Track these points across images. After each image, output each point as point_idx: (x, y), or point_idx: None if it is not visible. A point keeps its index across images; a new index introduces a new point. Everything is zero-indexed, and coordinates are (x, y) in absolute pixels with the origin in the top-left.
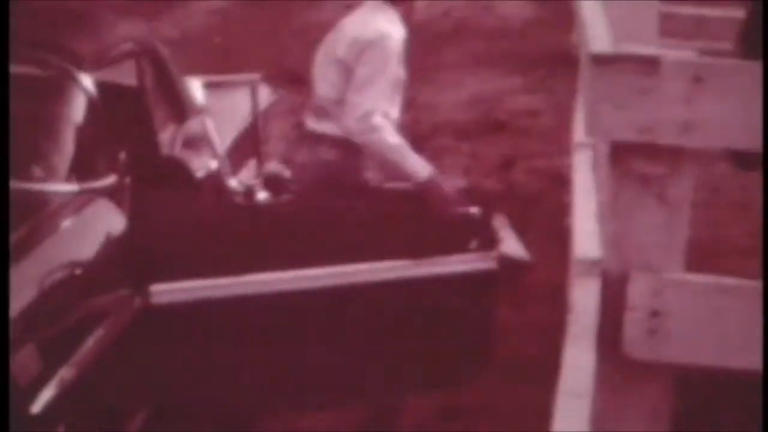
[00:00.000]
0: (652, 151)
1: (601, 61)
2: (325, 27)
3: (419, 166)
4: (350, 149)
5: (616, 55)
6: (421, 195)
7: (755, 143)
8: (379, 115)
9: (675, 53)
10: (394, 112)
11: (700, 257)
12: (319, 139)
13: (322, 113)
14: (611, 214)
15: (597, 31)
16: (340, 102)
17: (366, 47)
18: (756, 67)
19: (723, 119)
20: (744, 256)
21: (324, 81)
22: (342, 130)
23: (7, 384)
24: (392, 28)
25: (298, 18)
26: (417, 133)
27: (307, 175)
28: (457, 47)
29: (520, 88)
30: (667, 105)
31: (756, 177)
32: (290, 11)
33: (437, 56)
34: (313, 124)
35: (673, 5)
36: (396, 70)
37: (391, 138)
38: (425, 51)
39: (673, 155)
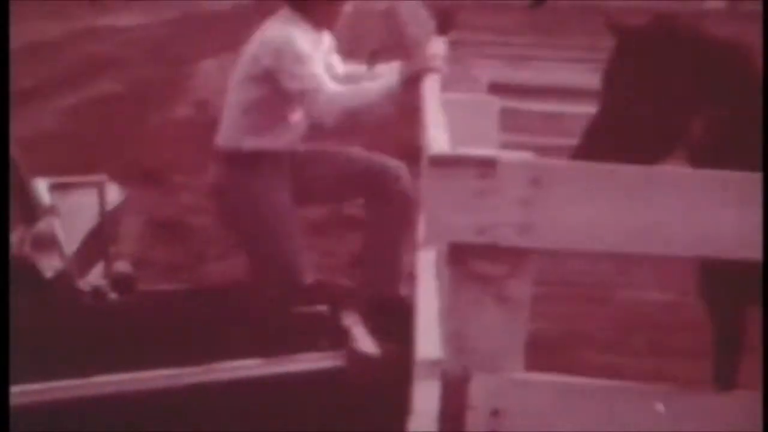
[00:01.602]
0: (491, 251)
1: (438, 162)
2: (181, 125)
3: (382, 86)
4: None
5: (453, 157)
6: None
7: (596, 243)
8: (325, 86)
9: (512, 154)
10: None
11: (555, 352)
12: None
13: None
14: (451, 314)
15: (436, 132)
16: (252, 107)
17: (278, 49)
18: (594, 168)
19: (561, 219)
20: (600, 350)
21: (238, 92)
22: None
23: (7, 384)
24: (301, 34)
25: (153, 116)
26: None
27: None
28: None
29: None
30: (505, 206)
31: (610, 269)
32: (145, 109)
33: None
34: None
35: (521, 102)
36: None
37: (334, 90)
38: None
39: (513, 256)
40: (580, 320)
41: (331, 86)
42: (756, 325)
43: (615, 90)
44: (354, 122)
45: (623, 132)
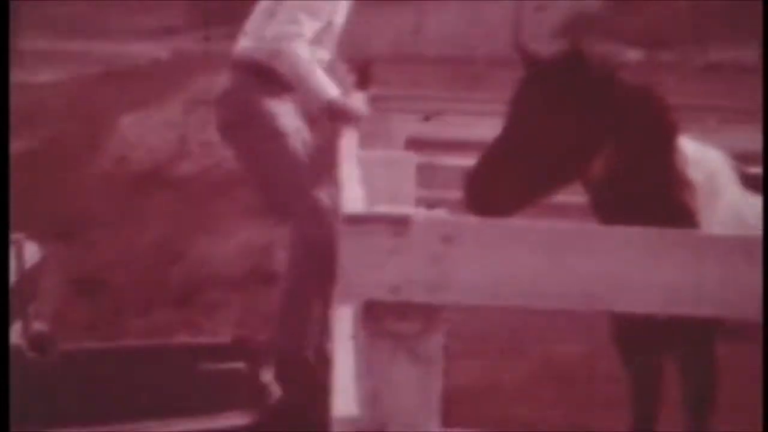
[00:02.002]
0: (404, 309)
1: (352, 221)
2: (100, 181)
3: (325, 85)
4: (246, 67)
5: (366, 216)
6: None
7: (508, 299)
8: (301, 40)
9: (425, 212)
10: (323, 53)
11: (472, 407)
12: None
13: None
14: (366, 372)
15: (352, 191)
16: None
17: None
18: (505, 224)
19: (473, 277)
20: (516, 403)
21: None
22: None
23: (7, 382)
24: None
25: (71, 173)
26: (189, 286)
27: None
28: (228, 198)
29: None
30: (418, 264)
31: (525, 322)
32: (63, 166)
33: (208, 207)
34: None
35: (438, 156)
36: (329, 10)
37: (303, 52)
38: (196, 202)
39: (426, 313)
40: (496, 374)
41: (302, 46)
42: (672, 375)
43: (519, 117)
44: (288, 79)
45: (521, 159)
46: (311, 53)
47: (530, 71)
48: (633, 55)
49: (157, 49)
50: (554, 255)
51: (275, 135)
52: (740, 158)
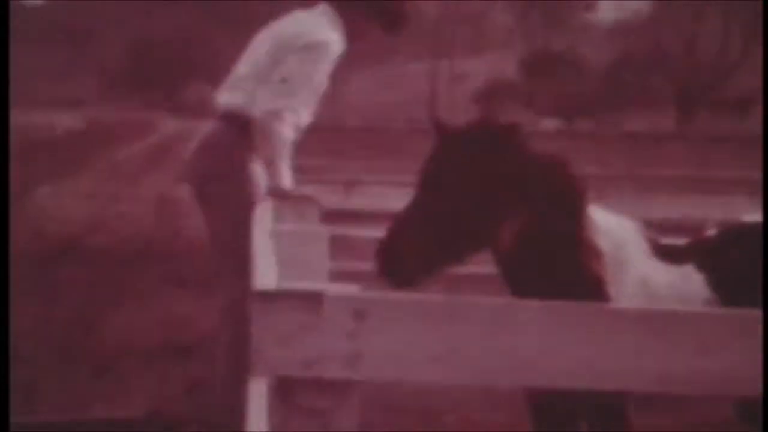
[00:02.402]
0: (317, 384)
1: (264, 297)
2: (19, 250)
3: (286, 175)
4: (237, 123)
5: (279, 292)
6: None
7: (420, 373)
8: (288, 112)
9: (337, 288)
10: (305, 116)
11: None
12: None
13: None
14: None
15: (264, 266)
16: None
17: (301, 49)
18: (416, 299)
19: (386, 351)
20: None
21: (253, 56)
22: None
23: (7, 384)
24: (332, 37)
25: None
26: (104, 356)
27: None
28: (146, 270)
29: (212, 309)
30: (331, 339)
31: (444, 392)
32: None
33: (123, 278)
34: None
35: (353, 228)
36: (321, 77)
37: (286, 134)
38: (111, 273)
39: (339, 388)
40: None
41: (288, 123)
42: None
43: (430, 185)
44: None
45: (431, 227)
46: (296, 117)
47: (441, 140)
48: (549, 123)
49: (72, 120)
50: (467, 329)
51: (248, 203)
52: (656, 227)
